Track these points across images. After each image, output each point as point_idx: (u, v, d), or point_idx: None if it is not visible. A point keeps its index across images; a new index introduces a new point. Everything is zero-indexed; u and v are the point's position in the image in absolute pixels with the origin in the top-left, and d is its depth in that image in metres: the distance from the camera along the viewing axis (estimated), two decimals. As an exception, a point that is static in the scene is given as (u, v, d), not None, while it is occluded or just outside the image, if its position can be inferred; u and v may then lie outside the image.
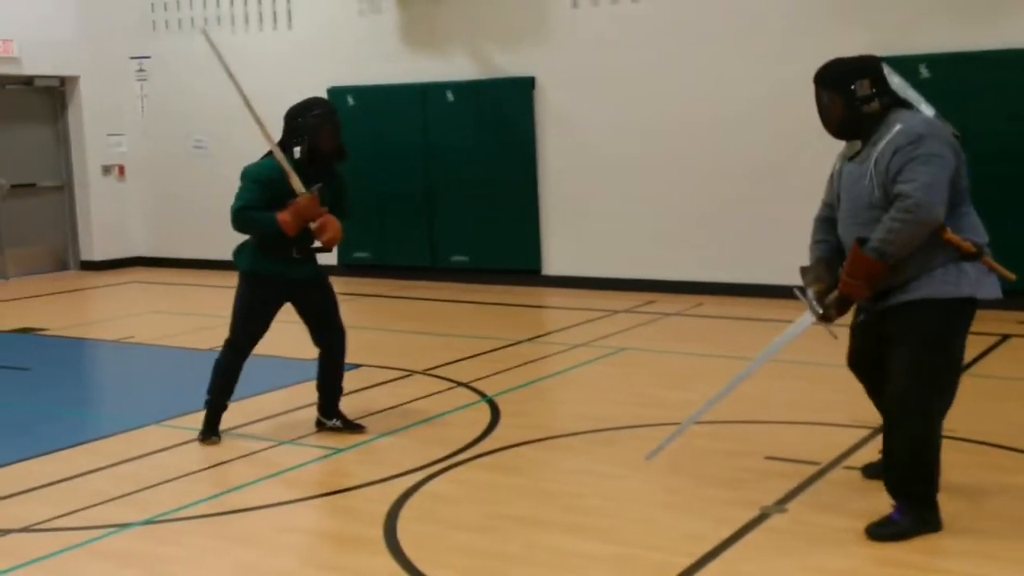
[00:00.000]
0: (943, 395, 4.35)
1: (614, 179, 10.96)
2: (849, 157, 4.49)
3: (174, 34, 13.63)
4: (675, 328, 9.09)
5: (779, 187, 10.16)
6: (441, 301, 10.70)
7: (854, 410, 6.22)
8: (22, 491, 5.22)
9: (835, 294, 4.43)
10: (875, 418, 5.99)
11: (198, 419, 6.34)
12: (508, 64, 11.41)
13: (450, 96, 11.59)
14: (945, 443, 4.46)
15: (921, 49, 9.43)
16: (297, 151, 5.74)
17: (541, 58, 11.22)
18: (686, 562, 4.15)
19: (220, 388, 6.00)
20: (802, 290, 4.59)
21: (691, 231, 10.63)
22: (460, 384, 7.10)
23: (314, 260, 6.00)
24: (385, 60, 11.99)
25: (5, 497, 5.13)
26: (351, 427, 6.10)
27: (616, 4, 10.82)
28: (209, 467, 5.62)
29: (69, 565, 4.34)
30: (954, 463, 5.27)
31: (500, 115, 11.35)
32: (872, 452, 5.49)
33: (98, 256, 13.76)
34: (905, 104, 4.39)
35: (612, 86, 10.86)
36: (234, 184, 5.90)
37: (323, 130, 5.74)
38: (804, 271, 4.60)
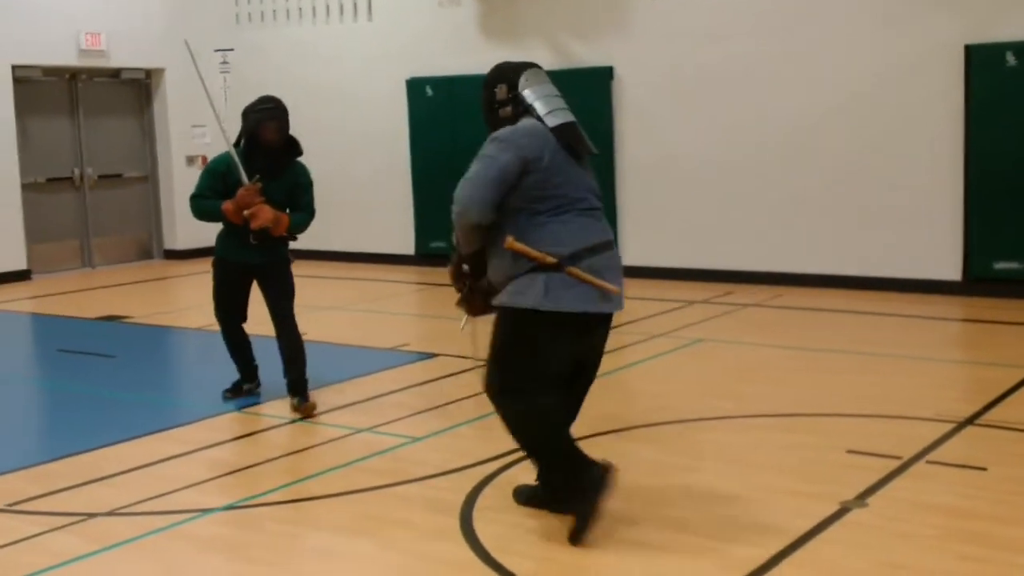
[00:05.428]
0: (524, 391, 4.31)
1: (693, 169, 10.87)
2: None
3: (256, 26, 13.82)
4: (753, 319, 9.00)
5: (858, 178, 10.00)
6: (517, 291, 10.68)
7: (938, 403, 6.11)
8: (107, 476, 5.34)
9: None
10: (960, 412, 5.90)
11: (278, 406, 6.49)
12: (586, 54, 11.37)
13: (527, 86, 11.56)
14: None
15: (1008, 37, 9.21)
16: (242, 144, 6.25)
17: (619, 48, 11.16)
18: (765, 555, 4.10)
19: (233, 357, 6.70)
20: None
21: (771, 221, 10.51)
22: (536, 374, 7.08)
23: (273, 247, 6.35)
24: (463, 51, 12.02)
25: (90, 481, 5.25)
26: (304, 405, 6.33)
27: (695, -8, 10.74)
28: (288, 454, 5.70)
29: (153, 548, 4.43)
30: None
31: (578, 105, 11.20)
32: (948, 448, 5.39)
33: (181, 245, 14.01)
34: (533, 112, 4.46)
35: (691, 76, 10.76)
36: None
37: (264, 124, 6.17)
38: None
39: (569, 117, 4.50)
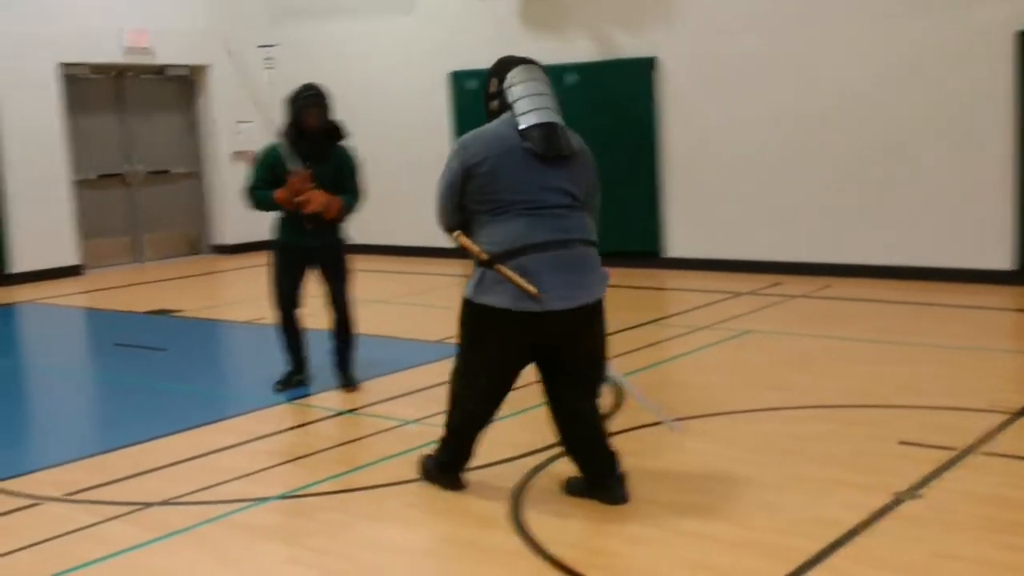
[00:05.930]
0: (468, 374, 4.64)
1: (737, 159, 10.81)
2: None
3: (300, 22, 13.90)
4: (801, 310, 8.94)
5: (907, 167, 9.90)
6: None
7: (992, 395, 6.04)
8: (161, 467, 5.41)
9: None
10: (1014, 403, 5.83)
11: (327, 398, 6.54)
12: (629, 45, 11.34)
13: (570, 78, 11.56)
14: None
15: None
16: (288, 132, 6.46)
17: (662, 39, 11.12)
18: (815, 547, 4.07)
19: (286, 348, 6.79)
20: None
21: (819, 211, 10.43)
22: (583, 366, 7.07)
23: (329, 232, 6.58)
24: (505, 43, 11.96)
25: (144, 472, 5.33)
26: (350, 385, 6.69)
27: (740, -18, 10.67)
28: (338, 445, 5.75)
29: (207, 537, 4.48)
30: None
31: (621, 97, 11.28)
32: (1002, 439, 5.33)
33: (229, 240, 14.14)
34: (513, 111, 4.55)
35: (734, 66, 10.70)
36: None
37: (307, 111, 6.40)
38: None
39: (547, 118, 4.51)
